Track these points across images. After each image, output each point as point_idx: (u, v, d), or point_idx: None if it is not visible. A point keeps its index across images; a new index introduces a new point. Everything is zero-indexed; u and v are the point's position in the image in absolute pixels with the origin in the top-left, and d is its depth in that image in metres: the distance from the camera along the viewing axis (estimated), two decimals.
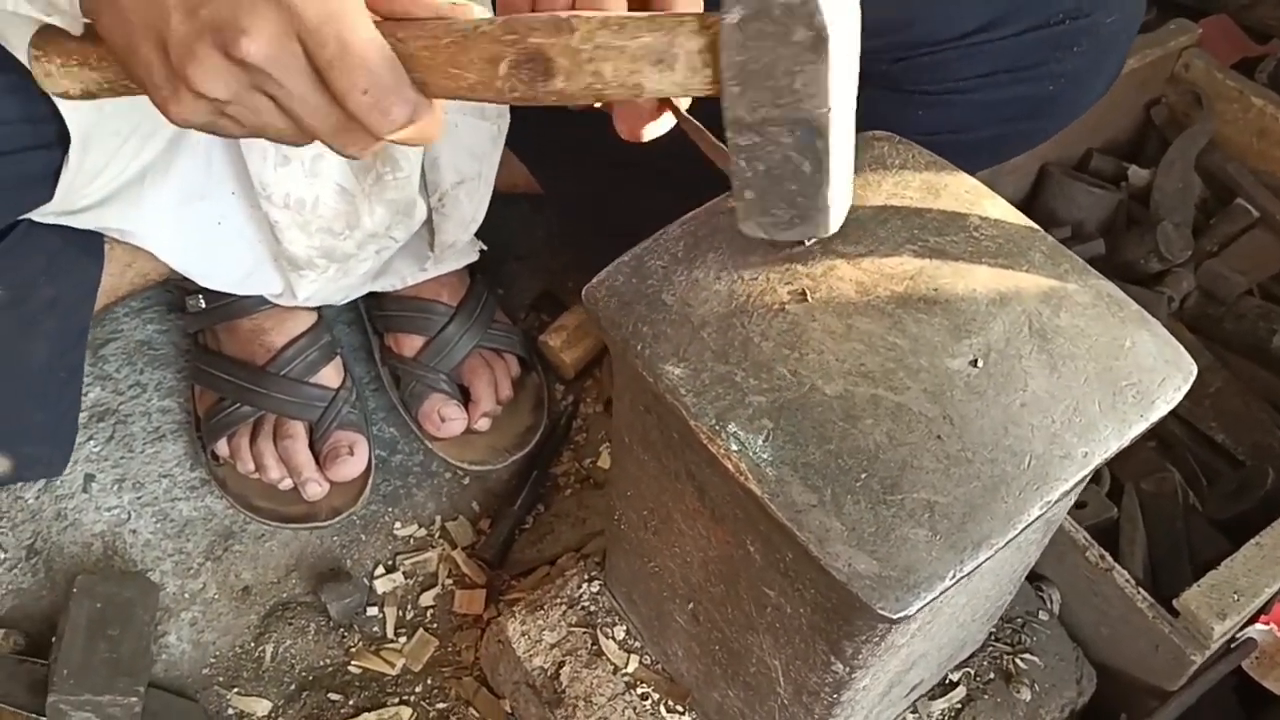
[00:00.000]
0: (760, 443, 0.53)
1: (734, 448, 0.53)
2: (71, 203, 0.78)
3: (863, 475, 0.51)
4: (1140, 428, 0.55)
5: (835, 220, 0.53)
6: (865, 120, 0.85)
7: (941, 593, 0.49)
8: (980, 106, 0.83)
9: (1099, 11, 0.80)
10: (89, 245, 0.88)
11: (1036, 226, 0.62)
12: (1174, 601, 0.78)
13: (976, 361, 0.55)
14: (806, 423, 0.53)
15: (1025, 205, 1.18)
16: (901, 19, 0.79)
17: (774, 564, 0.57)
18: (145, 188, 0.82)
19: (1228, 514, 0.93)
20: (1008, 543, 0.51)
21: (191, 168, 0.84)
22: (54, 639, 0.87)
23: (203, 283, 0.91)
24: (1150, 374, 0.57)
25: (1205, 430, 1.00)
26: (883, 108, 0.83)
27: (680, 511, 0.64)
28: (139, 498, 1.00)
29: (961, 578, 0.50)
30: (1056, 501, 0.52)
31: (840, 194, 0.53)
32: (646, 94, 0.50)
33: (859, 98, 0.84)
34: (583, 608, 0.81)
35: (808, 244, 0.58)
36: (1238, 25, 1.31)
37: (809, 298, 0.57)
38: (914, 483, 0.51)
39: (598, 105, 0.54)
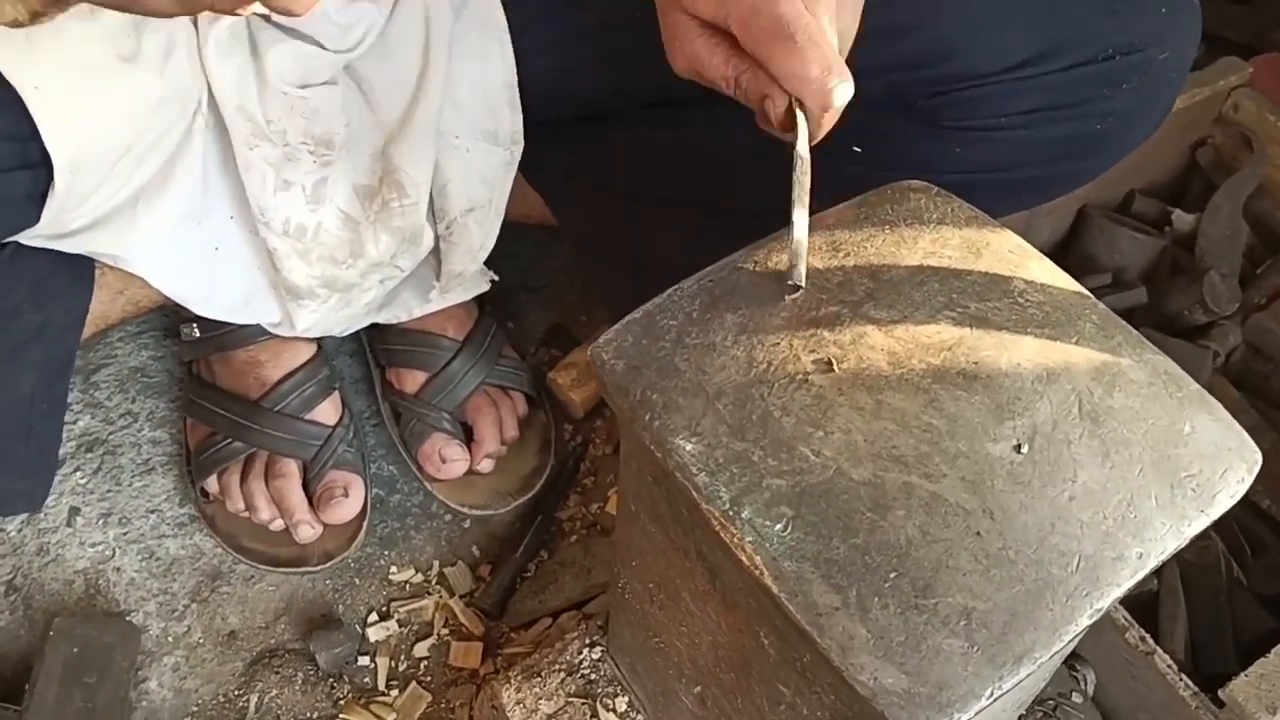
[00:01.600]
0: (778, 532, 0.47)
1: (749, 537, 0.47)
2: (61, 226, 0.74)
3: (892, 575, 0.46)
4: (1200, 525, 0.50)
5: None
6: (901, 157, 0.80)
7: (977, 712, 0.44)
8: (1023, 144, 0.78)
9: (1152, 48, 0.75)
10: (79, 271, 0.84)
11: (1087, 293, 0.57)
12: (1220, 691, 0.72)
13: (1021, 447, 0.50)
14: (830, 511, 0.48)
15: (1063, 249, 1.12)
16: (940, 51, 0.74)
17: (790, 662, 0.52)
18: (139, 211, 0.78)
19: (1275, 588, 0.87)
20: (1053, 655, 0.46)
21: (188, 191, 0.79)
22: (27, 685, 0.82)
23: (198, 310, 0.86)
24: (1212, 463, 0.51)
25: (1250, 496, 0.94)
26: (919, 144, 0.79)
27: (689, 591, 0.59)
28: (125, 533, 0.95)
29: (1000, 696, 0.44)
30: (1107, 608, 0.47)
31: None
32: None
33: (893, 132, 0.80)
34: (583, 675, 0.76)
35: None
36: None
37: (836, 368, 0.52)
38: (949, 585, 0.46)
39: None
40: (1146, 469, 0.50)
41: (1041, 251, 0.59)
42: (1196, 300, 1.03)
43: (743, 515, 0.48)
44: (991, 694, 0.44)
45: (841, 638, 0.45)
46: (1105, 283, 1.07)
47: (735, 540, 0.48)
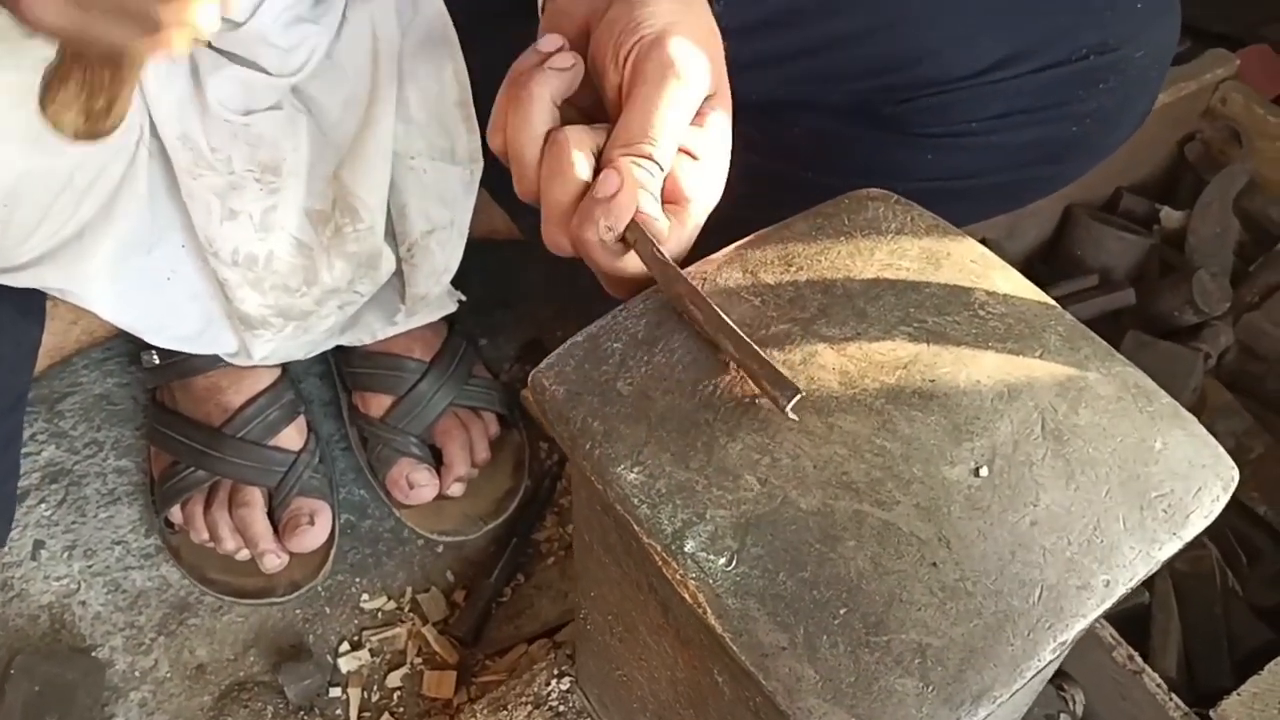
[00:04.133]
0: (722, 567, 0.45)
1: (692, 573, 0.45)
2: (4, 262, 0.72)
3: (842, 611, 0.44)
4: (1171, 548, 0.47)
5: None
6: (870, 166, 0.77)
7: None
8: (995, 150, 0.75)
9: (1128, 46, 0.72)
10: (27, 304, 0.81)
11: (1053, 303, 0.54)
12: (1212, 712, 0.70)
13: (979, 470, 0.47)
14: (777, 544, 0.45)
15: (1049, 249, 1.09)
16: (908, 55, 0.71)
17: (744, 701, 0.49)
18: (85, 244, 0.76)
19: (1272, 599, 0.84)
20: (1014, 694, 0.43)
21: (135, 221, 0.77)
22: None
23: (151, 340, 0.84)
24: (1184, 481, 0.48)
25: (1245, 501, 0.91)
26: (889, 152, 0.76)
27: (645, 624, 0.56)
28: (90, 566, 0.93)
29: None
30: (1072, 641, 0.44)
31: None
32: None
33: (861, 140, 0.77)
34: (550, 708, 0.74)
35: None
36: (1279, 56, 1.22)
37: None
38: (902, 620, 0.43)
39: None
40: (1114, 490, 0.48)
41: (1027, 253, 0.57)
42: (1187, 300, 1.00)
43: (685, 549, 0.45)
44: None
45: (788, 679, 0.42)
46: (1092, 284, 1.04)
47: (678, 576, 0.45)
